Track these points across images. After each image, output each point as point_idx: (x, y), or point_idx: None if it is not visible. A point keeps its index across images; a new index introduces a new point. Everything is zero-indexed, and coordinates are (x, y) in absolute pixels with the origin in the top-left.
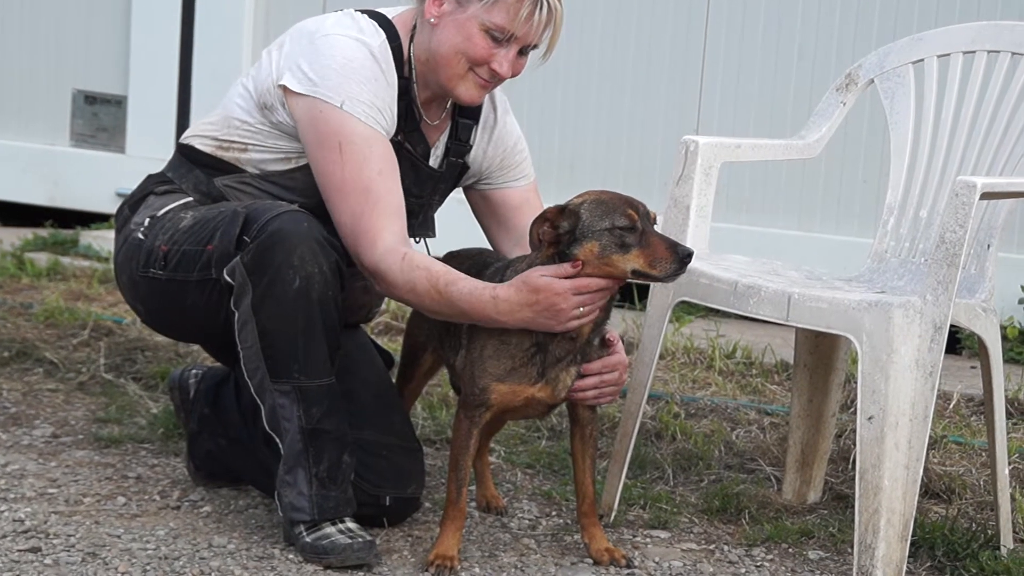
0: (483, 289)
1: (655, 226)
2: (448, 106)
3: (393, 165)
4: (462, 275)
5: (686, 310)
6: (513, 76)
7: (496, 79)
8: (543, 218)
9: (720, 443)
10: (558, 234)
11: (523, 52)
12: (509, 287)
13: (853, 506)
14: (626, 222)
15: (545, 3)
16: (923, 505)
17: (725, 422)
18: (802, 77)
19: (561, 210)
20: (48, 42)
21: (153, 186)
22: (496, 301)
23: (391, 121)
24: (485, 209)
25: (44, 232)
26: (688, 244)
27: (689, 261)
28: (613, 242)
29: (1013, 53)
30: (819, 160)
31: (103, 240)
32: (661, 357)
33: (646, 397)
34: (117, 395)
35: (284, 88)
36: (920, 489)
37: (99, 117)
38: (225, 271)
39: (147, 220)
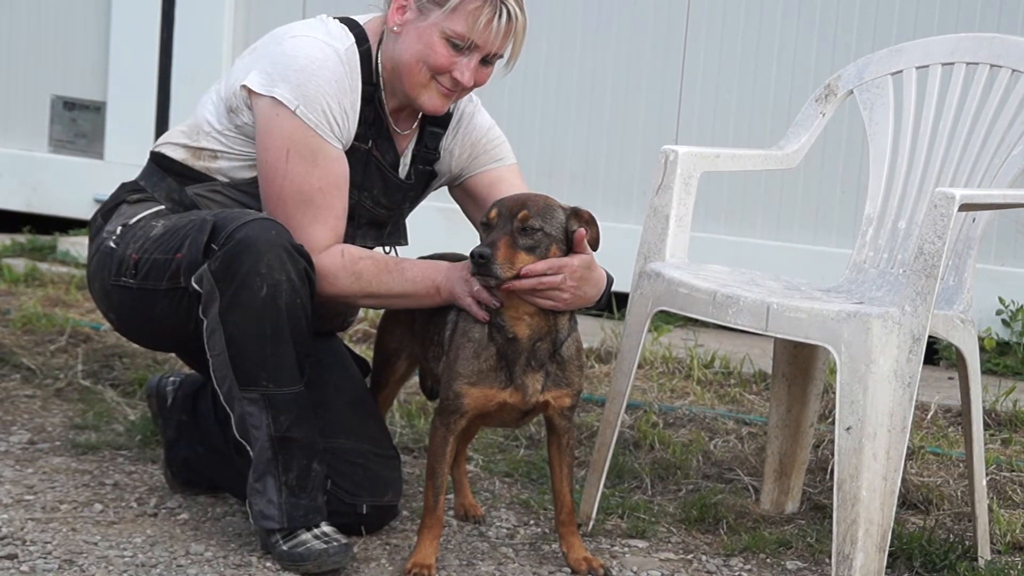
0: (437, 265)
1: (525, 232)
2: (419, 116)
3: (338, 181)
4: (406, 258)
5: (665, 320)
6: (476, 86)
7: (459, 88)
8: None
9: (698, 453)
10: None
11: (487, 62)
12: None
13: (831, 516)
14: (484, 219)
15: (504, 11)
16: (901, 516)
17: (703, 432)
18: (781, 87)
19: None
20: (27, 48)
21: (126, 195)
22: (447, 273)
23: (350, 127)
24: (468, 201)
25: (22, 238)
26: (667, 254)
27: (475, 260)
28: (480, 238)
29: (992, 65)
30: (798, 170)
31: (81, 246)
32: (640, 367)
33: (624, 406)
34: (95, 402)
35: (247, 88)
36: (898, 500)
37: (78, 123)
38: (193, 279)
39: (119, 228)
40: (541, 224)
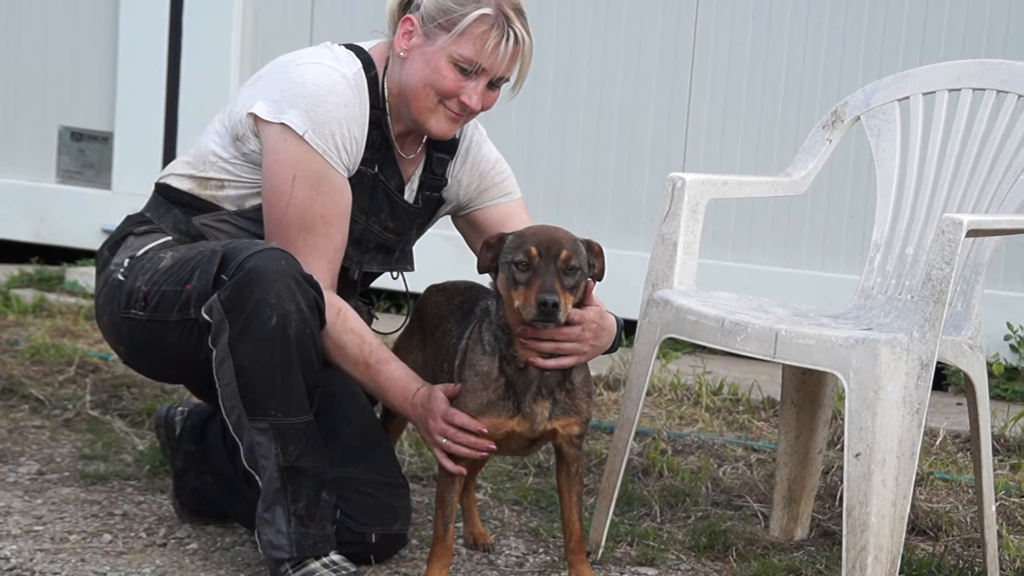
0: (411, 381)
1: (569, 272)
2: (424, 140)
3: (340, 211)
4: (393, 357)
5: (673, 347)
6: (484, 109)
7: (467, 112)
8: (486, 244)
9: (707, 480)
10: (492, 261)
11: (493, 85)
12: (428, 389)
13: (840, 543)
14: (522, 258)
15: (512, 34)
16: (910, 542)
17: (712, 458)
18: (788, 114)
19: (500, 238)
20: (34, 79)
21: (132, 227)
22: (415, 395)
23: (358, 152)
24: (473, 234)
25: (30, 269)
26: (675, 281)
27: (547, 309)
28: (511, 276)
29: (998, 91)
30: (805, 197)
31: (89, 277)
32: (648, 394)
33: (633, 433)
34: (103, 432)
35: (254, 116)
36: (907, 526)
37: (85, 153)
38: (203, 309)
39: (127, 261)
40: (578, 263)
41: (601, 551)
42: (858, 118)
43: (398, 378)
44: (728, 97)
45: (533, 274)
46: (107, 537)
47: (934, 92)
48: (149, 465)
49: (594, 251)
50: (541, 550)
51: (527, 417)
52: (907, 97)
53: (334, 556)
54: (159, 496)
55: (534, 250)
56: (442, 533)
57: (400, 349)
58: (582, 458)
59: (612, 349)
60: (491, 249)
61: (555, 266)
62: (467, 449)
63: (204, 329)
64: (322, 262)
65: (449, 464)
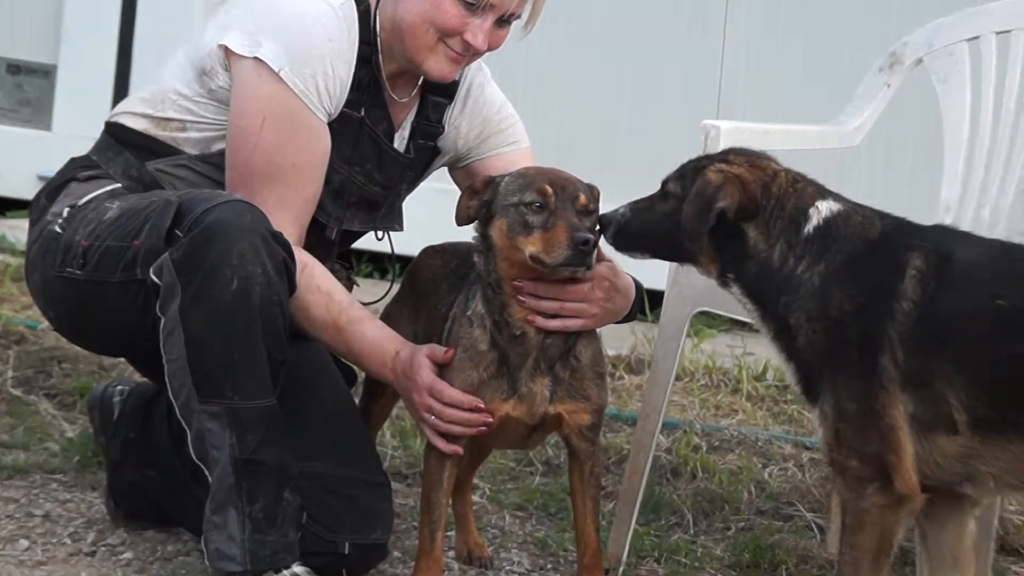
0: (390, 343)
1: (588, 216)
2: (419, 83)
3: (314, 159)
4: (369, 315)
5: (707, 322)
6: (490, 49)
7: (470, 52)
8: (471, 190)
9: (750, 483)
10: (480, 208)
11: (503, 23)
12: (411, 351)
13: (913, 562)
14: (534, 198)
15: None
16: (999, 564)
17: (755, 457)
18: (840, 55)
19: (489, 181)
20: None
21: (75, 171)
22: (395, 360)
23: (341, 94)
24: None
25: None
26: None
27: (587, 248)
28: (517, 220)
29: None
30: (860, 149)
31: (20, 231)
32: (678, 378)
33: (660, 426)
34: (26, 414)
35: (225, 49)
36: (995, 544)
37: (23, 89)
38: (151, 269)
39: (66, 211)
40: (594, 207)
41: (622, 568)
42: (920, 60)
43: (373, 340)
44: (768, 32)
45: (551, 215)
46: (23, 543)
47: (1009, 31)
48: (79, 456)
49: (595, 195)
50: (549, 566)
51: (523, 398)
52: (977, 36)
53: (296, 569)
54: (89, 494)
55: (549, 188)
56: (428, 543)
57: (388, 320)
58: (598, 454)
59: (630, 318)
60: (477, 195)
61: (574, 208)
62: (459, 427)
63: (152, 293)
64: (288, 216)
65: (442, 443)
